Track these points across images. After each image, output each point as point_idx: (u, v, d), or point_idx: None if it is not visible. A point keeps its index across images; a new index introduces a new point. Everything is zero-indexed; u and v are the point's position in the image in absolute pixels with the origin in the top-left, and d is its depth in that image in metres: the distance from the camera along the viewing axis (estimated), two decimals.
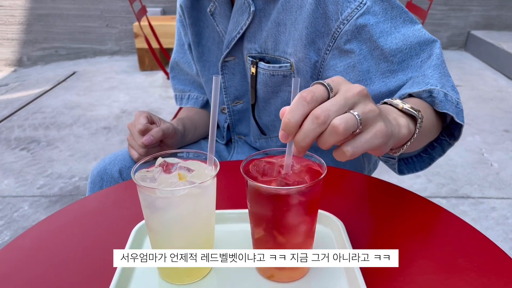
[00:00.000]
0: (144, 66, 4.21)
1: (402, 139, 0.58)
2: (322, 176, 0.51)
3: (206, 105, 1.17)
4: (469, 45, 4.75)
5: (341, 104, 0.48)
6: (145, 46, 3.87)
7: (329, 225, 0.65)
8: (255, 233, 0.56)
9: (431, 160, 0.80)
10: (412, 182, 2.32)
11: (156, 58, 2.59)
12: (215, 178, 0.54)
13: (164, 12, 4.64)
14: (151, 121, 0.93)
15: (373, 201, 0.76)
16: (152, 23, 3.04)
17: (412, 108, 0.60)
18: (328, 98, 0.49)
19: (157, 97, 3.55)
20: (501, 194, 2.24)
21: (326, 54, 0.83)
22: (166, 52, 2.94)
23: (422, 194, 2.24)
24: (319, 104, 0.48)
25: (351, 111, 0.48)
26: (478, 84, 3.77)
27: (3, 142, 2.79)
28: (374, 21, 0.77)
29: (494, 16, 4.72)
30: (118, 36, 4.72)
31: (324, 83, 0.50)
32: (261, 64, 0.90)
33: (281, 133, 0.49)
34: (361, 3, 0.77)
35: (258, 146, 1.07)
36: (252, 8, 0.87)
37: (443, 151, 0.79)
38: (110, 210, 0.74)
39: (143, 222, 0.65)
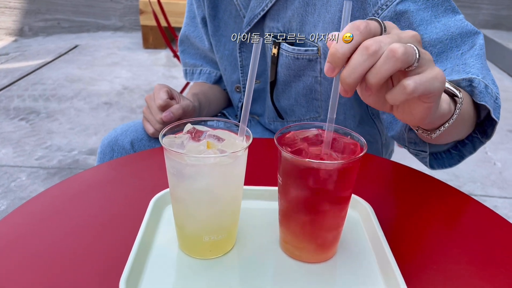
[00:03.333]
0: (147, 44, 4.13)
1: (442, 116, 0.54)
2: (363, 153, 0.48)
3: (219, 81, 1.13)
4: None
5: (395, 39, 0.44)
6: (150, 23, 3.80)
7: (356, 208, 0.63)
8: (284, 209, 0.53)
9: (461, 157, 0.76)
10: None
11: (164, 35, 2.53)
12: (247, 150, 0.51)
13: None
14: (171, 96, 0.89)
15: (398, 186, 0.73)
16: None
17: (453, 86, 0.56)
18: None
19: (160, 75, 3.50)
20: (503, 193, 2.23)
21: None
22: (173, 31, 2.88)
23: None
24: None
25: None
26: None
27: (2, 111, 2.74)
28: (414, 8, 0.73)
29: (504, 15, 4.67)
30: (122, 12, 4.63)
31: (379, 20, 0.46)
32: (284, 46, 0.86)
33: (326, 66, 0.45)
34: None
35: (272, 128, 1.03)
36: None
37: (474, 149, 0.75)
38: (125, 179, 0.70)
39: (161, 193, 0.62)
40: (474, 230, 0.62)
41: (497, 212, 2.11)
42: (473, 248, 0.57)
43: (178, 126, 0.52)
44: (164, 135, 0.50)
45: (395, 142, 1.09)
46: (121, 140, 0.91)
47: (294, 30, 0.85)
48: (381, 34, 0.46)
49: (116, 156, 0.91)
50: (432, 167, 0.77)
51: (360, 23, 0.44)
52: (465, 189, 2.24)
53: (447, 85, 0.56)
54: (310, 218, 0.51)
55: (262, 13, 0.87)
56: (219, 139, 0.51)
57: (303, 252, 0.53)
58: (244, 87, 1.02)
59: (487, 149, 2.65)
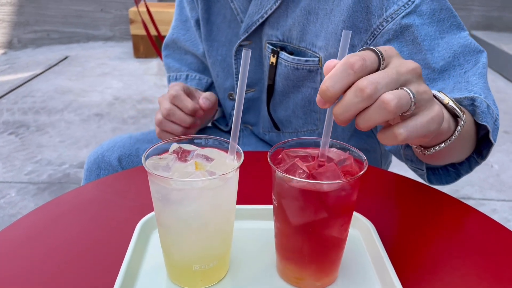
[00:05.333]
0: (138, 53, 4.10)
1: (440, 134, 0.52)
2: (363, 171, 0.45)
3: (210, 88, 1.07)
4: None
5: (393, 78, 0.42)
6: (140, 32, 3.77)
7: (356, 226, 0.59)
8: (279, 232, 0.49)
9: (458, 175, 0.75)
10: None
11: (154, 44, 2.50)
12: (238, 170, 0.47)
13: None
14: (187, 92, 0.84)
15: (399, 199, 0.70)
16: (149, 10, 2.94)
17: (457, 106, 0.53)
18: (378, 70, 0.43)
19: (151, 85, 3.46)
20: (502, 196, 2.20)
21: None
22: (163, 39, 2.85)
23: None
24: (367, 75, 0.41)
25: (404, 87, 0.42)
26: None
27: None
28: (419, 22, 0.70)
29: (495, 17, 4.68)
30: (112, 22, 4.59)
31: (376, 50, 0.43)
32: (283, 55, 0.82)
33: (318, 98, 0.43)
34: (409, 0, 0.70)
35: (267, 139, 0.99)
36: None
37: (470, 168, 0.73)
38: (111, 200, 0.66)
39: (149, 216, 0.58)
40: (483, 246, 0.58)
41: (497, 215, 2.06)
42: (484, 266, 0.54)
43: (163, 145, 0.48)
44: (148, 156, 0.46)
45: None
46: (107, 156, 0.87)
47: (294, 39, 0.81)
48: (378, 66, 0.43)
49: (103, 174, 0.86)
50: (430, 182, 0.75)
51: (356, 61, 0.41)
52: (463, 192, 2.21)
53: (452, 104, 0.53)
54: (308, 242, 0.47)
55: (261, 20, 0.83)
56: (207, 158, 0.47)
57: (302, 277, 0.50)
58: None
59: None
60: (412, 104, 0.41)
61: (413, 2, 0.70)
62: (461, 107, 0.54)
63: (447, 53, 0.71)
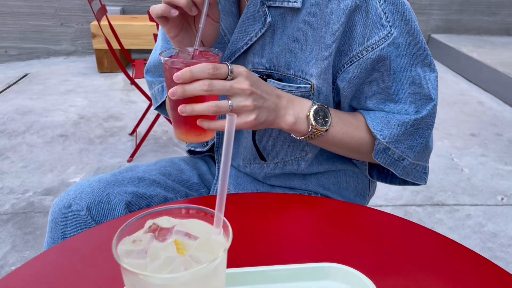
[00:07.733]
0: (103, 68, 3.97)
1: (294, 131, 0.75)
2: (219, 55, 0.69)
3: None
4: (430, 49, 4.80)
5: (226, 88, 0.65)
6: (104, 46, 3.65)
7: (354, 283, 0.55)
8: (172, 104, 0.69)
9: (404, 183, 0.88)
10: (387, 189, 2.27)
11: (117, 59, 2.40)
12: (227, 251, 0.42)
13: (123, 12, 4.41)
14: None
15: (393, 244, 0.66)
16: (112, 23, 2.84)
17: (314, 127, 0.74)
18: (225, 79, 0.65)
19: (118, 101, 3.35)
20: (474, 200, 2.23)
21: (338, 73, 0.79)
22: (127, 53, 2.75)
23: (398, 202, 2.19)
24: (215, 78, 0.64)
25: (230, 100, 0.66)
26: (440, 87, 3.81)
27: None
28: (395, 55, 0.76)
29: (454, 20, 4.81)
30: (74, 36, 4.43)
31: (229, 67, 0.66)
32: (272, 82, 0.80)
33: (176, 77, 0.63)
34: (389, 32, 0.74)
35: (248, 172, 0.92)
36: (269, 19, 0.77)
37: (421, 180, 0.87)
38: (78, 271, 0.59)
39: None
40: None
41: (471, 221, 2.07)
42: None
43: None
44: (119, 238, 0.41)
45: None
46: (75, 205, 0.79)
47: (282, 66, 0.80)
48: (226, 77, 0.66)
49: (70, 225, 0.79)
50: (371, 176, 0.94)
51: (213, 67, 0.64)
52: (437, 199, 2.23)
53: (312, 122, 0.74)
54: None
55: (245, 47, 0.80)
56: (189, 236, 0.42)
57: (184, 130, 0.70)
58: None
59: (453, 155, 2.67)
60: (229, 111, 0.66)
61: (392, 34, 0.74)
62: (318, 130, 0.74)
63: (407, 88, 0.78)
